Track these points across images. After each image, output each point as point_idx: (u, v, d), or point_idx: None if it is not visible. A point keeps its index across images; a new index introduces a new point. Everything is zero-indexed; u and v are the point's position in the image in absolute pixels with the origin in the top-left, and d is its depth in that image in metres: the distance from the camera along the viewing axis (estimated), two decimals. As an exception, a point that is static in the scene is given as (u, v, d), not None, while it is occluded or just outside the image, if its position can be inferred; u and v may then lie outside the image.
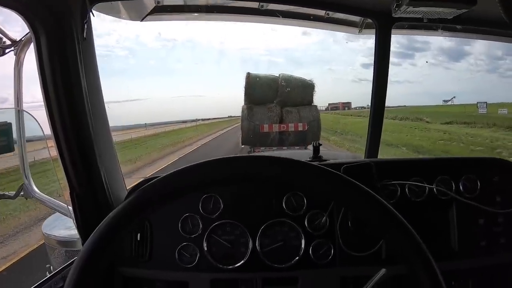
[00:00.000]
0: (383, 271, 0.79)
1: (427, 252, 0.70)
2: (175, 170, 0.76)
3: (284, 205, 1.27)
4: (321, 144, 1.35)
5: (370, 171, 1.23)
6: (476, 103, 21.67)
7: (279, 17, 1.62)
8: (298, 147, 10.11)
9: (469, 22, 1.68)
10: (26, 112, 1.53)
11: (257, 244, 1.24)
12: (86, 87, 1.12)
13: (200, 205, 1.26)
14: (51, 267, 1.71)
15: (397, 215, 0.71)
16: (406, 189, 1.30)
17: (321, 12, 1.67)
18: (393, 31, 1.64)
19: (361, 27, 1.78)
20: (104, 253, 0.72)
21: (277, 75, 11.03)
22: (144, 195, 0.76)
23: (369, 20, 1.72)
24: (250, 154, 0.78)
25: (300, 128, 10.42)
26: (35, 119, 1.37)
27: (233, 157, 0.77)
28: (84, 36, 1.11)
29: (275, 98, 10.74)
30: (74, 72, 1.09)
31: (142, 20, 1.50)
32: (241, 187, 1.28)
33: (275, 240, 1.25)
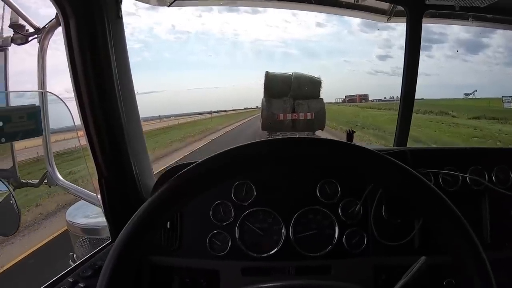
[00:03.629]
0: (423, 259, 0.77)
1: (478, 243, 0.67)
2: (226, 149, 0.71)
3: (318, 192, 1.24)
4: (354, 132, 1.32)
5: (405, 159, 1.20)
6: (501, 97, 20.53)
7: (311, 2, 1.59)
8: (307, 132, 12.38)
9: (501, 12, 1.64)
10: (51, 93, 1.52)
11: (290, 232, 1.22)
12: (117, 71, 1.10)
13: (232, 192, 1.24)
14: (75, 255, 1.71)
15: (450, 205, 0.68)
16: (440, 178, 1.28)
17: (351, -1, 1.63)
18: (423, 20, 1.61)
19: (390, 14, 1.75)
20: (139, 247, 0.68)
21: (291, 74, 13.40)
22: (186, 178, 0.70)
23: (398, 8, 1.69)
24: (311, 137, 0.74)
25: (309, 117, 12.79)
26: (61, 99, 1.35)
27: (295, 137, 0.73)
28: (116, 15, 1.09)
29: (289, 93, 13.01)
30: (104, 55, 1.07)
31: (169, 5, 1.48)
32: (274, 174, 1.26)
33: (308, 228, 1.23)
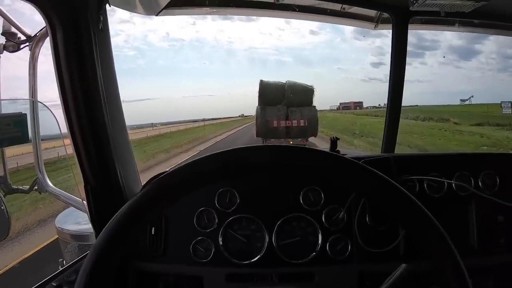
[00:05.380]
0: (403, 266, 0.77)
1: (455, 250, 0.68)
2: (207, 154, 0.72)
3: (301, 200, 1.25)
4: (338, 139, 1.32)
5: (389, 166, 1.21)
6: (500, 102, 20.08)
7: (295, 11, 1.60)
8: (300, 139, 12.92)
9: (486, 17, 1.67)
10: (41, 103, 1.53)
11: (273, 239, 1.22)
12: (102, 80, 1.11)
13: (216, 199, 1.24)
14: (64, 261, 1.70)
15: (425, 211, 0.69)
16: (425, 185, 1.28)
17: (337, 6, 1.65)
18: (409, 26, 1.63)
19: (377, 22, 1.77)
20: (118, 247, 0.69)
21: (284, 82, 13.88)
22: (162, 184, 0.72)
23: (385, 15, 1.71)
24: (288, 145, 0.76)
25: (302, 124, 13.12)
26: (49, 109, 1.36)
27: (271, 145, 0.74)
28: (100, 27, 1.10)
29: (282, 100, 13.40)
30: (90, 65, 1.07)
31: (157, 14, 1.49)
32: (258, 181, 1.26)
33: (291, 235, 1.23)
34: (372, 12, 1.74)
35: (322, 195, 1.24)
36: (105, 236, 0.68)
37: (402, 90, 1.68)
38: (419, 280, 1.12)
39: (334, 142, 1.31)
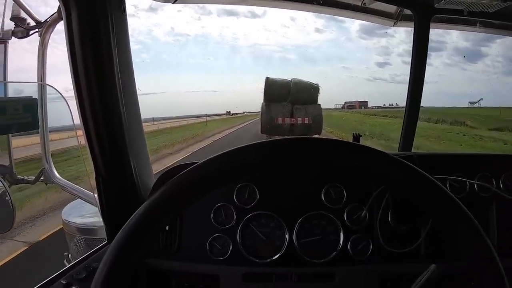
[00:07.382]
0: (433, 267, 0.74)
1: (494, 252, 0.64)
2: (231, 148, 0.66)
3: (323, 197, 1.21)
4: (361, 135, 1.30)
5: (413, 164, 1.18)
6: None
7: (319, 3, 1.56)
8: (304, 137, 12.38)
9: (508, 18, 1.63)
10: (51, 86, 1.48)
11: (294, 238, 1.18)
12: (118, 66, 1.07)
13: (234, 194, 1.20)
14: (70, 255, 1.67)
15: (467, 212, 0.66)
16: (447, 185, 1.25)
17: (358, 2, 1.61)
18: (430, 24, 1.60)
19: (396, 18, 1.74)
20: (139, 246, 0.63)
21: (290, 79, 14.28)
22: (188, 179, 0.65)
23: (405, 12, 1.68)
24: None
25: (306, 122, 13.65)
26: (60, 93, 1.31)
27: (300, 137, 0.70)
28: (122, 7, 1.06)
29: (287, 98, 13.81)
30: (106, 50, 1.03)
31: (174, 2, 1.45)
32: (278, 177, 1.22)
33: (312, 233, 1.19)
34: (392, 9, 1.71)
35: (344, 193, 1.21)
36: (122, 239, 0.62)
37: (422, 88, 1.65)
38: (442, 281, 1.09)
39: (356, 138, 1.29)
